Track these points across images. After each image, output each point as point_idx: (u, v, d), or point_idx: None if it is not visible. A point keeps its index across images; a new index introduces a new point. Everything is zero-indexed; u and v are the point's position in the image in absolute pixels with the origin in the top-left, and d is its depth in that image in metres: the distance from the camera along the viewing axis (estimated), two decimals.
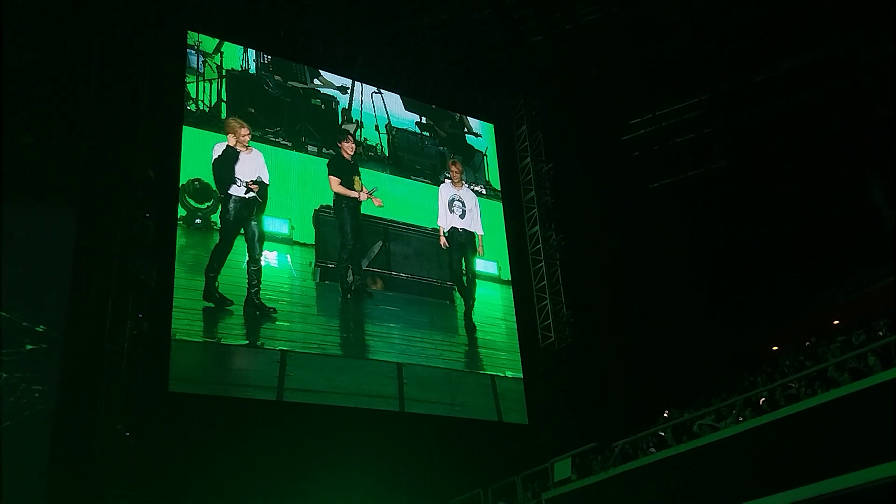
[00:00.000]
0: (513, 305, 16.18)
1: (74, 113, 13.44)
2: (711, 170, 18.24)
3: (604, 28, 16.55)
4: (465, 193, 16.46)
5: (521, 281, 16.51)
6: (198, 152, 13.90)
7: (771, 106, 17.36)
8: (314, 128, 15.42)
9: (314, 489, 12.33)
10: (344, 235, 14.66)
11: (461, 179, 16.50)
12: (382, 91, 16.49)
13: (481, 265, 16.23)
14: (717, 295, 16.76)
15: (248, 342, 13.17)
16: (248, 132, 14.04)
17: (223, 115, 14.44)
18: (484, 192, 17.10)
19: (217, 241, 13.45)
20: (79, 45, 13.59)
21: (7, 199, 12.55)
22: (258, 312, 13.40)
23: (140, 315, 12.25)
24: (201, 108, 14.37)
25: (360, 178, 15.11)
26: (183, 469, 11.93)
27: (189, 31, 14.56)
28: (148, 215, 12.82)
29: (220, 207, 13.60)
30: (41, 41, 13.37)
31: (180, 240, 13.34)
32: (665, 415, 11.23)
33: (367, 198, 14.98)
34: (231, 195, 13.63)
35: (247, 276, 13.49)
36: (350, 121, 15.92)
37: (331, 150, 15.31)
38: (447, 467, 13.32)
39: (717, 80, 17.77)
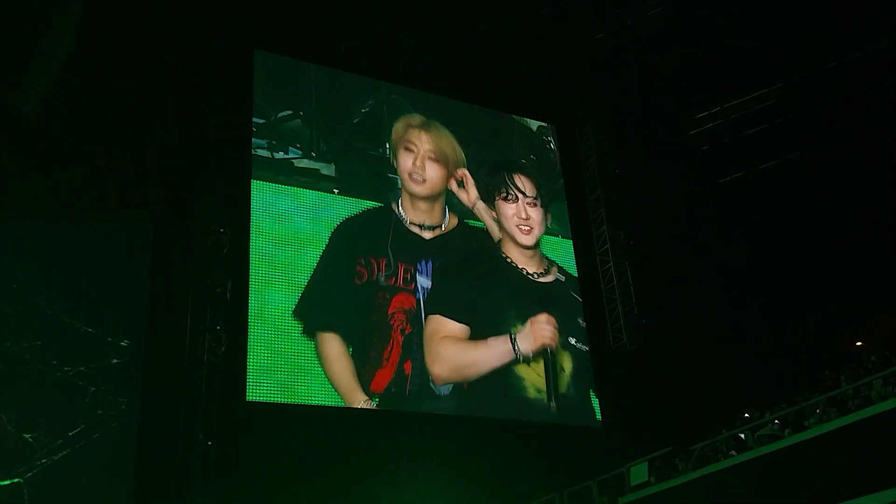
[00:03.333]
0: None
1: (147, 132, 13.91)
2: (784, 162, 17.77)
3: (667, 22, 16.27)
4: None
5: (589, 282, 16.34)
6: None
7: (845, 93, 16.83)
8: None
9: (390, 496, 12.46)
10: None
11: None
12: None
13: None
14: (794, 290, 16.29)
15: None
16: None
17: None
18: None
19: None
20: (149, 64, 14.08)
21: (87, 217, 13.14)
22: None
23: (217, 327, 12.64)
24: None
25: None
26: (262, 477, 12.19)
27: (256, 51, 14.79)
28: (222, 230, 13.21)
29: None
30: (114, 64, 13.85)
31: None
32: (746, 416, 11.00)
33: None
34: None
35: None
36: None
37: None
38: (521, 472, 13.30)
39: (788, 69, 17.31)
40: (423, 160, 14.95)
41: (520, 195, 15.14)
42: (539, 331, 13.85)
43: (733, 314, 16.23)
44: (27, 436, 11.25)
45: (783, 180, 17.48)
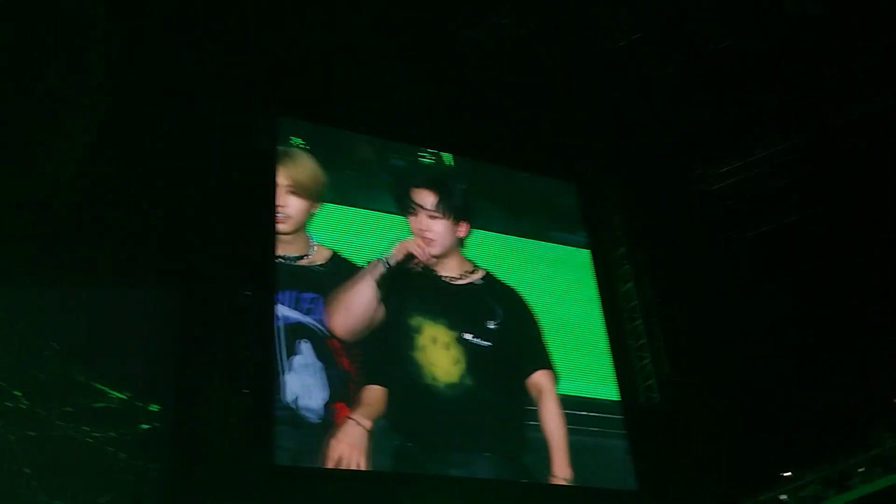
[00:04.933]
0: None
1: (174, 200, 14.09)
2: (810, 215, 17.71)
3: (683, 81, 16.45)
4: None
5: (618, 341, 16.11)
6: None
7: (868, 144, 16.84)
8: None
9: None
10: None
11: None
12: None
13: None
14: (830, 344, 16.03)
15: None
16: None
17: None
18: None
19: None
20: (178, 130, 14.34)
21: (117, 285, 13.28)
22: None
23: (245, 391, 12.53)
24: None
25: None
26: None
27: (279, 117, 14.98)
28: (248, 293, 13.23)
29: None
30: (141, 135, 14.13)
31: None
32: (787, 475, 10.74)
33: None
34: None
35: None
36: None
37: None
38: None
39: (808, 121, 17.36)
40: None
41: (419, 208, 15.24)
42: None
43: (770, 369, 15.95)
44: (57, 503, 11.21)
45: (811, 232, 17.37)
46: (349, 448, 12.76)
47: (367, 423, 13.07)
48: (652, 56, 16.23)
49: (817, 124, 17.37)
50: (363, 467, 12.71)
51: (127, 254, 13.35)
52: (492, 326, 14.78)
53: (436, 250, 15.18)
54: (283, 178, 14.73)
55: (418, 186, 15.67)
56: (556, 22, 15.95)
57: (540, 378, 14.64)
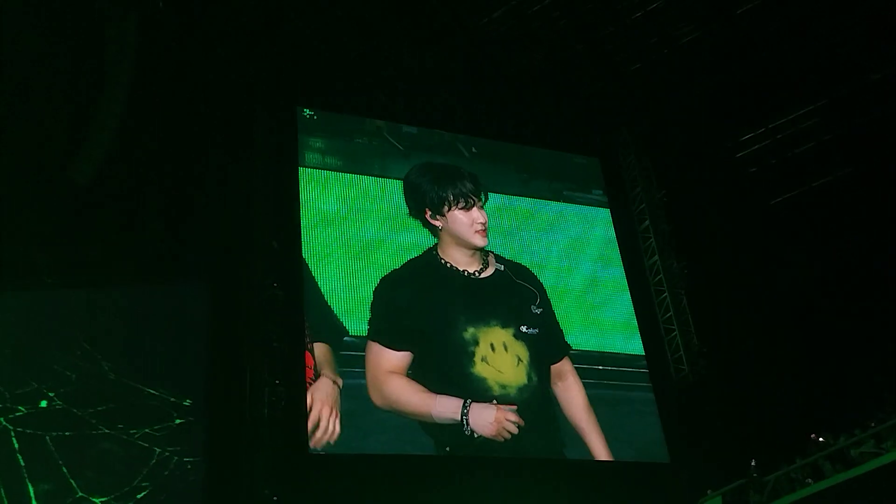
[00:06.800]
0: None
1: (197, 196, 14.26)
2: (836, 179, 17.44)
3: (703, 47, 16.19)
4: None
5: (645, 314, 16.11)
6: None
7: (891, 107, 16.50)
8: None
9: None
10: None
11: None
12: None
13: None
14: (857, 310, 15.82)
15: None
16: None
17: None
18: None
19: None
20: (197, 128, 14.49)
21: (144, 281, 13.47)
22: None
23: (276, 381, 12.65)
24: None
25: None
26: None
27: (298, 108, 15.17)
28: (275, 284, 13.32)
29: None
30: (162, 129, 14.29)
31: None
32: (820, 440, 10.64)
33: None
34: None
35: None
36: None
37: None
38: None
39: (832, 84, 17.02)
40: None
41: (475, 200, 14.89)
42: (500, 424, 13.35)
43: (798, 337, 15.78)
44: (96, 500, 11.43)
45: (836, 197, 17.13)
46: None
47: None
48: (668, 25, 16.00)
49: (839, 88, 17.01)
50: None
51: (154, 253, 13.63)
52: (536, 311, 14.68)
53: (486, 241, 14.77)
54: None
55: (462, 178, 15.13)
56: None
57: (565, 364, 14.60)
